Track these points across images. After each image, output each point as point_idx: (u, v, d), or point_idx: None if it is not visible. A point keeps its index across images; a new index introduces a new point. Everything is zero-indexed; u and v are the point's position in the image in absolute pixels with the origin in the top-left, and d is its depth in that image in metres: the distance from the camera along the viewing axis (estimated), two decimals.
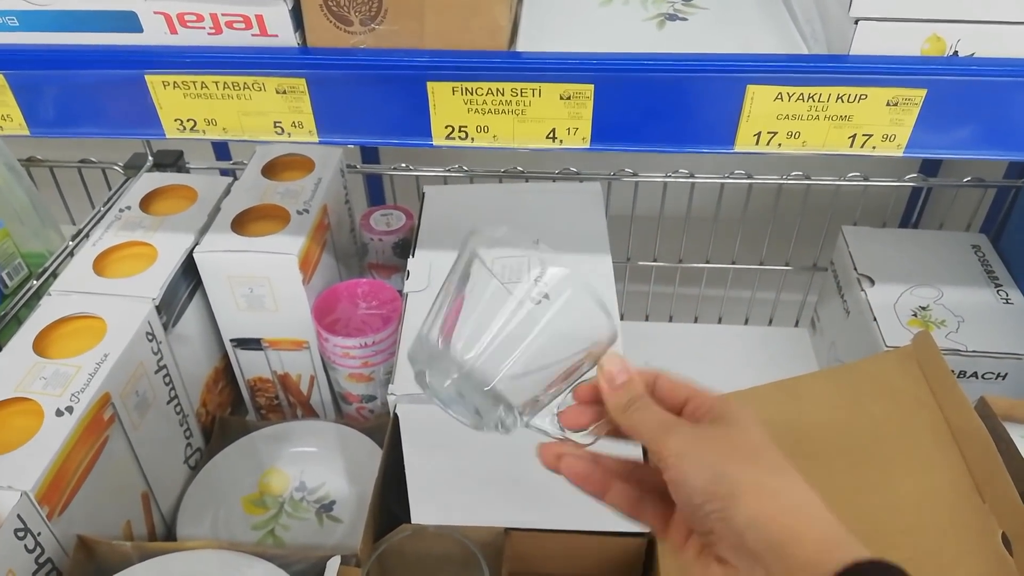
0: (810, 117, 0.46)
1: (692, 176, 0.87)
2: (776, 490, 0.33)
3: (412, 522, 0.53)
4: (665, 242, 0.92)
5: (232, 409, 0.83)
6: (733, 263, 0.93)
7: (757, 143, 0.47)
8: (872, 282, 0.79)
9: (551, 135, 0.49)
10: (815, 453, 0.55)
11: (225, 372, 0.80)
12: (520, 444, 0.58)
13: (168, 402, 0.69)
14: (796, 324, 0.98)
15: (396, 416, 0.59)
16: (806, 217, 0.88)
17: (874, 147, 0.47)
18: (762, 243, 0.91)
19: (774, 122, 0.46)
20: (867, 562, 0.31)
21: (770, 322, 0.98)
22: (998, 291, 0.78)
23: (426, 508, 0.53)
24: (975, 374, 0.72)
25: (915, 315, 0.75)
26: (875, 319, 0.75)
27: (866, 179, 0.87)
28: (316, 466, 0.76)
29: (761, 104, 0.46)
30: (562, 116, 0.48)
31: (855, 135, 0.47)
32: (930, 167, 1.03)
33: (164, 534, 0.69)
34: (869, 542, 0.34)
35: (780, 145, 0.47)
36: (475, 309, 0.40)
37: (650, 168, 0.88)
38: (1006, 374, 0.72)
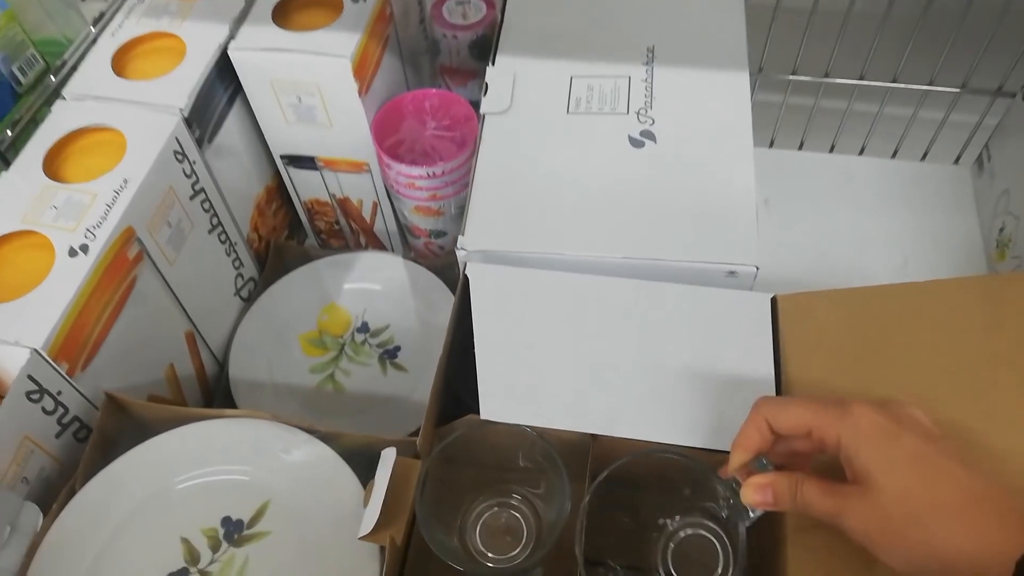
0: None
1: None
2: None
3: (481, 417, 0.44)
4: (811, 46, 0.72)
5: (290, 232, 0.74)
6: (894, 81, 0.74)
7: None
8: None
9: None
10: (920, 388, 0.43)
11: (279, 191, 0.70)
12: (613, 342, 0.47)
13: (210, 231, 0.60)
14: (956, 161, 0.80)
15: (466, 278, 0.49)
16: (1008, 20, 0.67)
17: None
18: (938, 55, 0.71)
19: None
20: None
21: (924, 156, 0.80)
22: None
23: (496, 402, 0.44)
24: None
25: None
26: None
27: None
28: (380, 305, 0.67)
29: None
30: None
31: None
32: None
33: (216, 373, 0.63)
34: None
35: None
36: None
37: None
38: None
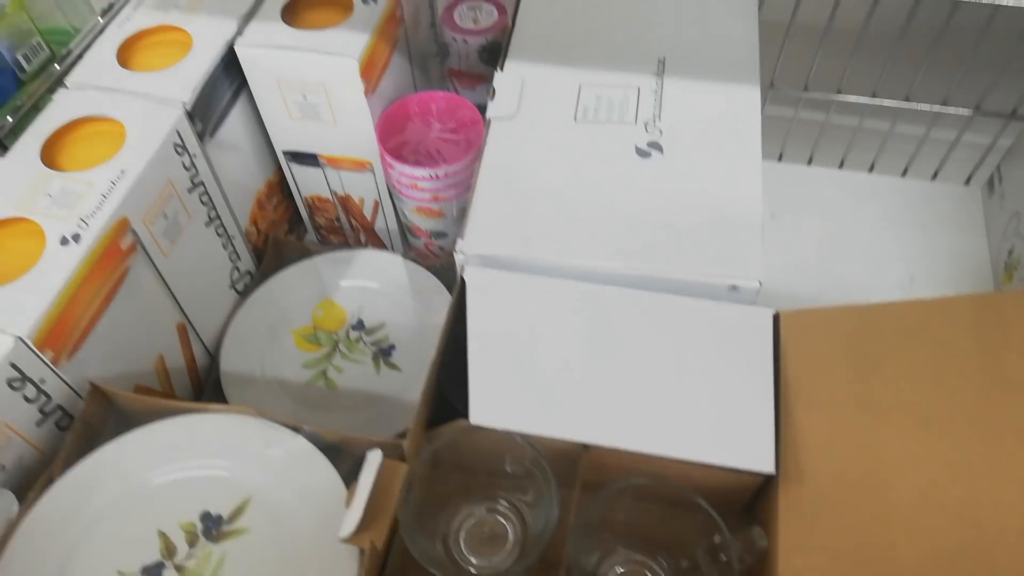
0: None
1: None
2: None
3: (470, 421, 0.43)
4: (823, 60, 0.72)
5: (290, 227, 0.74)
6: (907, 99, 0.73)
7: None
8: None
9: None
10: (924, 410, 0.42)
11: (280, 186, 0.70)
12: (610, 353, 0.47)
13: (208, 223, 0.59)
14: (967, 182, 0.79)
15: (463, 282, 0.48)
16: (1022, 47, 0.66)
17: None
18: (952, 76, 0.70)
19: None
20: None
21: (934, 176, 0.79)
22: None
23: (487, 407, 0.43)
24: None
25: None
26: None
27: None
28: (377, 303, 0.67)
29: None
30: None
31: None
32: None
33: (207, 365, 0.63)
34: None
35: None
36: None
37: None
38: None
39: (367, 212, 0.69)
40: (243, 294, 0.66)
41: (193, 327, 0.60)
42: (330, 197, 0.69)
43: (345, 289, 0.68)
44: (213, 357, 0.63)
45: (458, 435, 0.43)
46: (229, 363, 0.62)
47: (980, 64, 0.68)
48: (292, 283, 0.67)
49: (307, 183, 0.68)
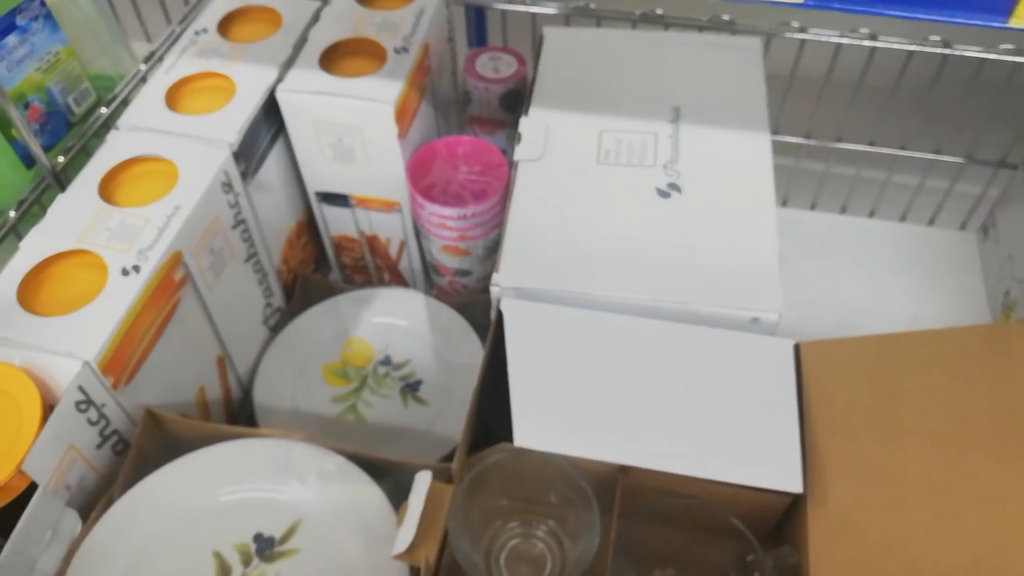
0: None
1: (874, 38, 0.70)
2: None
3: (514, 444, 0.45)
4: (822, 112, 0.76)
5: (315, 266, 0.76)
6: (903, 148, 0.78)
7: None
8: None
9: None
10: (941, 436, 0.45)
11: (309, 226, 0.73)
12: (643, 381, 0.49)
13: (247, 259, 0.62)
14: (963, 227, 0.83)
15: (500, 313, 0.51)
16: (1011, 99, 0.71)
17: None
18: (944, 126, 0.75)
19: None
20: None
21: (931, 221, 0.83)
22: None
23: (530, 430, 0.45)
24: None
25: None
26: None
27: None
28: (402, 340, 0.69)
29: None
30: None
31: None
32: None
33: (240, 398, 0.64)
34: None
35: None
36: None
37: (822, 23, 0.72)
38: None
39: (392, 251, 0.72)
40: (274, 330, 0.69)
41: (231, 360, 0.62)
42: (357, 237, 0.72)
43: (372, 326, 0.70)
44: (246, 391, 0.65)
45: (503, 458, 0.45)
46: (262, 397, 0.64)
47: (971, 115, 0.73)
48: (321, 320, 0.70)
49: (336, 223, 0.71)
